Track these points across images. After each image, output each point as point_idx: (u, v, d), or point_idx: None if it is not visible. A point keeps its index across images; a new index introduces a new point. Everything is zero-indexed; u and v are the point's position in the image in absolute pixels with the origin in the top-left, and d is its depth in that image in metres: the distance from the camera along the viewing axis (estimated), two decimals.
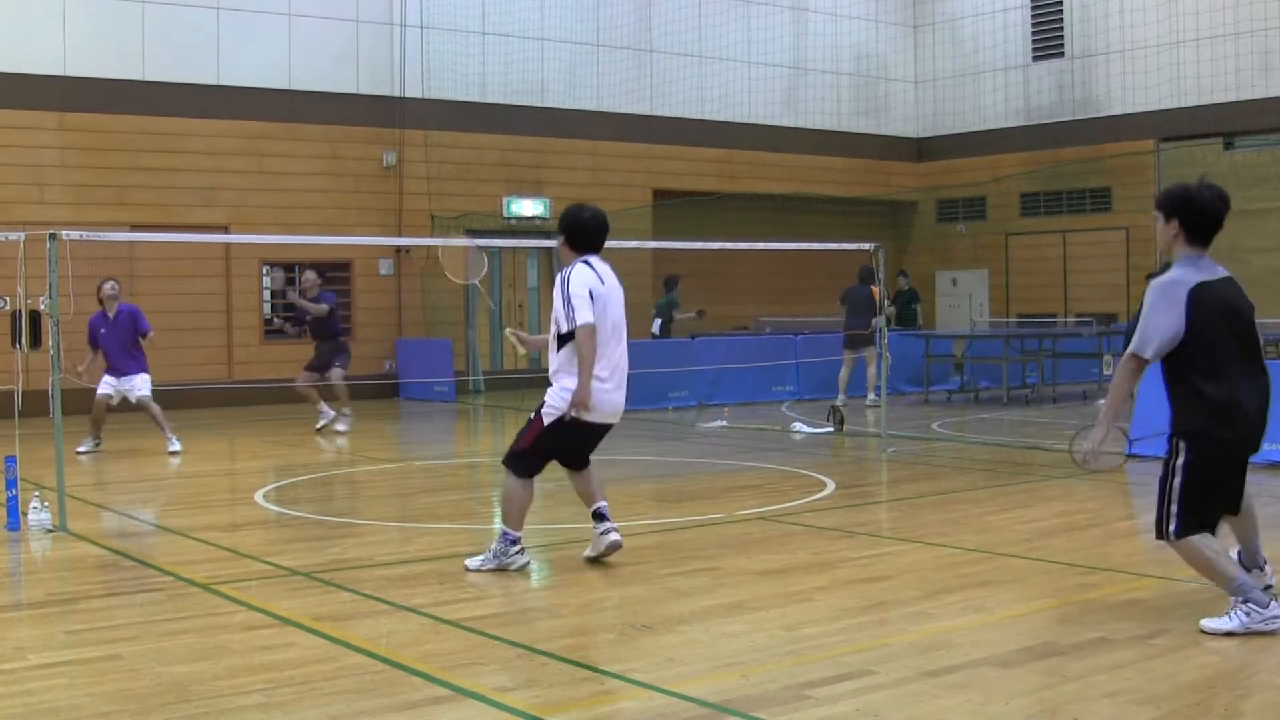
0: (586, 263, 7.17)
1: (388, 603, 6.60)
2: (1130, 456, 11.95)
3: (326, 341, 16.00)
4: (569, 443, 7.30)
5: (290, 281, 21.31)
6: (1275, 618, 5.58)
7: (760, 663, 5.42)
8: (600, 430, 7.33)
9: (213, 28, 19.64)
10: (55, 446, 9.12)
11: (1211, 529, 5.79)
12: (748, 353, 19.50)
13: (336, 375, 15.85)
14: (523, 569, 7.30)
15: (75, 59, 18.62)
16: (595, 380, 7.04)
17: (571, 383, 7.06)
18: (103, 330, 14.10)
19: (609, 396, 7.16)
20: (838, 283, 22.05)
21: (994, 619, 6.16)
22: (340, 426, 15.67)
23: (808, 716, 4.73)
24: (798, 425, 15.29)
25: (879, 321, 13.73)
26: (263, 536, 8.99)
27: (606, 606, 6.45)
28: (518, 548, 7.30)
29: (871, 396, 17.53)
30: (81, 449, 13.77)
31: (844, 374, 17.97)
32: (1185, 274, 5.76)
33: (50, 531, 8.67)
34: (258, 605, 6.56)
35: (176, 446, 13.66)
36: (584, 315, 7.00)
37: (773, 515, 9.23)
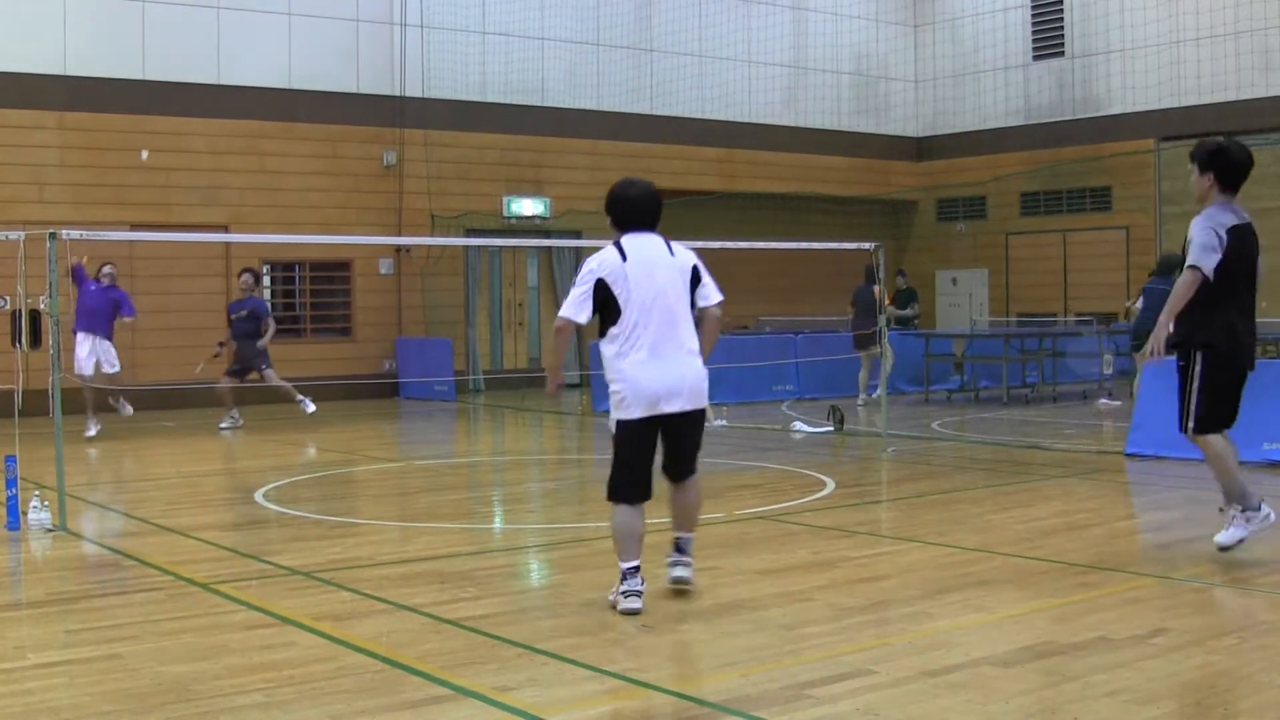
0: (617, 244, 6.54)
1: (388, 602, 6.60)
2: (1130, 456, 11.97)
3: (247, 343, 16.18)
4: (639, 444, 6.42)
5: (289, 280, 21.34)
6: (1267, 515, 6.73)
7: (760, 662, 5.42)
8: (660, 424, 6.40)
9: (213, 27, 19.64)
10: (55, 446, 9.12)
11: (1226, 427, 6.91)
12: (748, 352, 19.50)
13: (271, 376, 16.18)
14: (631, 612, 6.19)
15: (75, 58, 18.62)
16: (631, 365, 6.34)
17: (613, 379, 6.39)
18: (91, 287, 15.15)
19: (644, 383, 6.32)
20: (837, 282, 22.07)
21: (994, 618, 6.16)
22: (224, 424, 16.15)
23: (808, 716, 4.73)
24: (798, 424, 15.29)
25: (881, 320, 13.77)
26: (262, 536, 8.99)
27: (606, 605, 6.44)
28: (627, 584, 6.26)
29: (864, 396, 17.84)
30: (90, 433, 14.89)
31: (864, 374, 18.26)
32: (1223, 216, 6.89)
33: (50, 531, 8.67)
34: (258, 605, 6.56)
35: (93, 433, 14.85)
36: (564, 309, 6.39)
37: (772, 515, 9.23)
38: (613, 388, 6.42)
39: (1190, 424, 6.88)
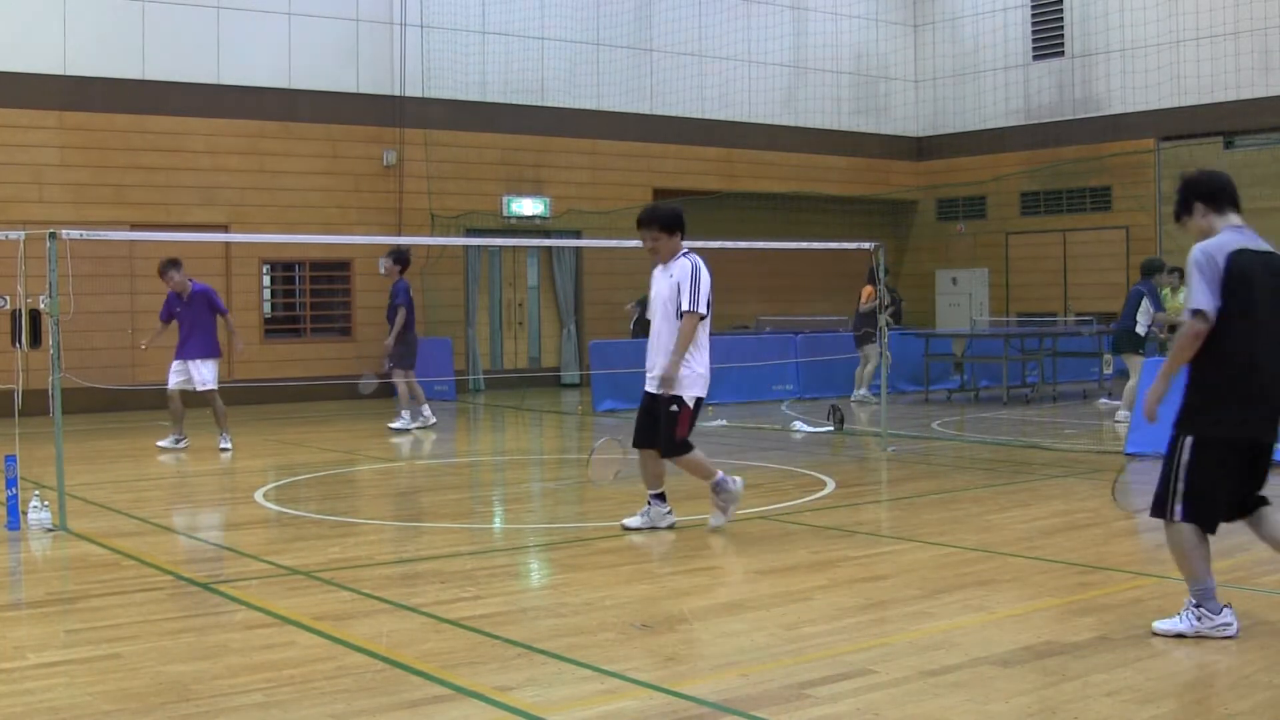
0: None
1: (388, 602, 6.60)
2: (1131, 456, 11.96)
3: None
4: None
5: (289, 280, 21.30)
6: (1226, 624, 5.67)
7: (760, 662, 5.42)
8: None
9: (213, 27, 19.64)
10: (55, 445, 9.12)
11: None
12: (748, 351, 19.50)
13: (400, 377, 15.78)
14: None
15: (75, 58, 18.62)
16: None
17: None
18: (178, 309, 13.90)
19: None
20: (837, 282, 22.07)
21: (994, 618, 6.16)
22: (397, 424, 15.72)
23: (807, 715, 4.73)
24: (798, 424, 15.29)
25: (883, 319, 13.81)
26: (263, 535, 8.99)
27: (606, 605, 6.45)
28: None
29: (860, 392, 18.45)
30: (164, 443, 13.89)
31: (863, 370, 18.56)
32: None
33: (50, 531, 8.67)
34: (258, 604, 6.56)
35: (227, 444, 13.72)
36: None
37: (772, 514, 9.23)
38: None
39: None
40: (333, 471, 12.44)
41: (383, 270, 15.84)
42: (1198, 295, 5.57)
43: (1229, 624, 5.67)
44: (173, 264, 13.77)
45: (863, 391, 18.43)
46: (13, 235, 9.42)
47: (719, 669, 5.34)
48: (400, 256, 15.70)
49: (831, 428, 14.92)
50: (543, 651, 5.60)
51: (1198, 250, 5.67)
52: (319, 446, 14.44)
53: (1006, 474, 11.38)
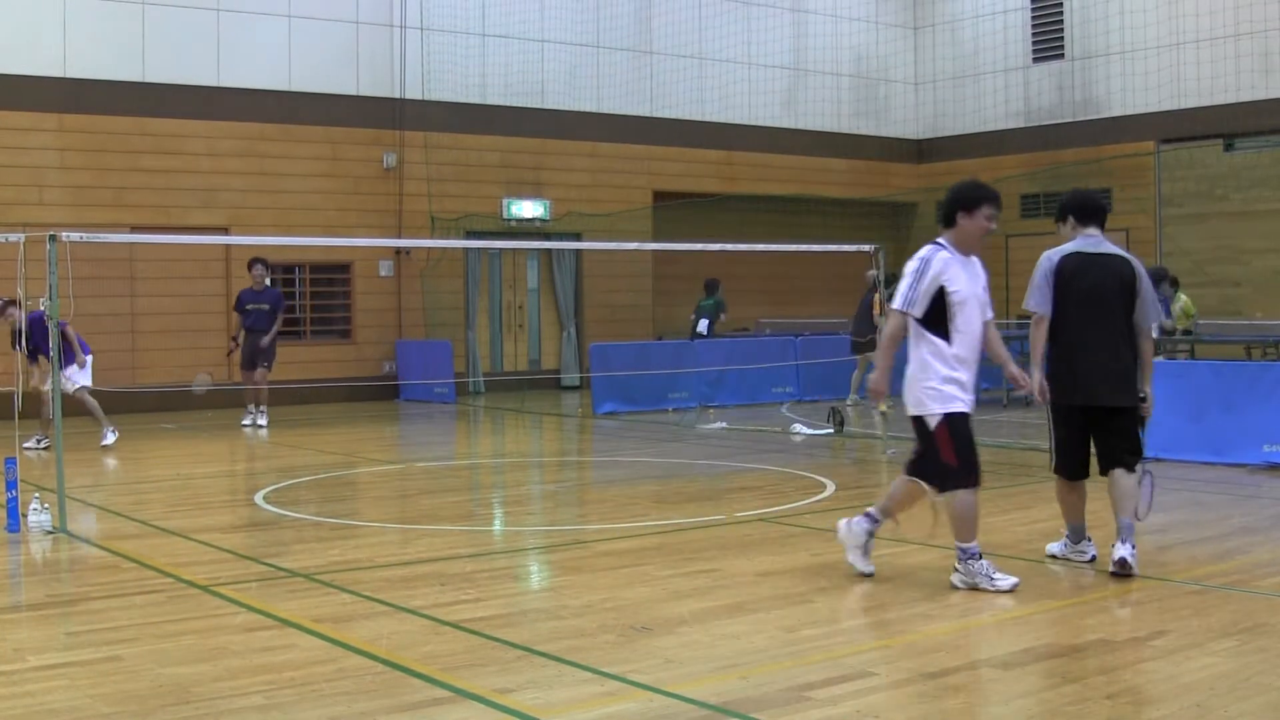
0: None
1: (388, 604, 6.60)
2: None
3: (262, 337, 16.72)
4: None
5: (289, 283, 21.31)
6: (1082, 552, 7.28)
7: (760, 664, 5.42)
8: None
9: (212, 29, 19.64)
10: (55, 447, 9.12)
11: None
12: (748, 354, 19.50)
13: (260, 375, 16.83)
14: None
15: (75, 60, 18.62)
16: None
17: None
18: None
19: None
20: (837, 284, 22.08)
21: (993, 620, 6.16)
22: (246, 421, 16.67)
23: (808, 718, 4.73)
24: (798, 427, 15.29)
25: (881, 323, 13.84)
26: (263, 538, 8.99)
27: (606, 608, 6.45)
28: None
29: (854, 397, 18.35)
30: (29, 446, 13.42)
31: (857, 375, 18.62)
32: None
33: (50, 533, 8.67)
34: (258, 607, 6.56)
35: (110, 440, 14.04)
36: None
37: (773, 517, 9.23)
38: None
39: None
40: (333, 474, 12.44)
41: (264, 278, 17.02)
42: (1029, 298, 7.53)
43: (1084, 552, 7.26)
44: (10, 303, 13.50)
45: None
46: (13, 238, 9.42)
47: (719, 671, 5.34)
48: (267, 264, 17.08)
49: (831, 430, 14.93)
50: (543, 654, 5.60)
51: (1042, 257, 7.47)
52: (319, 449, 14.44)
53: (1007, 476, 11.37)
